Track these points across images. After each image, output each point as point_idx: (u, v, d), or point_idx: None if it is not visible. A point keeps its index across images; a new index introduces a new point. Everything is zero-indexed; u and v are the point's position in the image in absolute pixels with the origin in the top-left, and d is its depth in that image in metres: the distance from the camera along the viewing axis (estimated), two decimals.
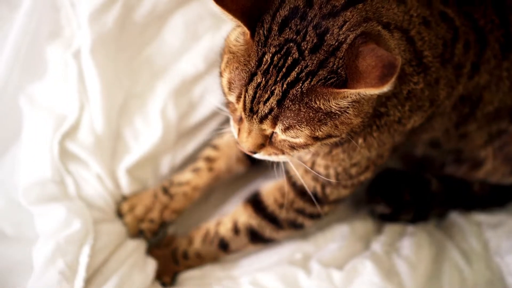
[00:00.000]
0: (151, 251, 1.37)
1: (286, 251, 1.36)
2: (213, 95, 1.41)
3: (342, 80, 0.91)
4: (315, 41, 0.92)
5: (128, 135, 1.41)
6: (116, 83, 1.38)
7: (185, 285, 1.32)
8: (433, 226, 1.47)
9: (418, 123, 1.13)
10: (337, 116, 0.95)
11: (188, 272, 1.35)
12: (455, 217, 1.50)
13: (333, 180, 1.21)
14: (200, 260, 1.36)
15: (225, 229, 1.33)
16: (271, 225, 1.30)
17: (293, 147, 1.00)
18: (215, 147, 1.42)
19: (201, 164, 1.41)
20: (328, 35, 0.92)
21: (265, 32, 0.94)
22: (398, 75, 0.99)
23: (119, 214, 1.37)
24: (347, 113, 0.95)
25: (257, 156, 1.05)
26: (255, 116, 0.96)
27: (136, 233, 1.36)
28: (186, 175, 1.40)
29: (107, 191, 1.35)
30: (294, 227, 1.32)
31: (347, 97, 0.92)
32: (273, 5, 0.95)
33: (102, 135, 1.36)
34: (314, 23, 0.93)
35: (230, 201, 1.48)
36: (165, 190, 1.39)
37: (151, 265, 1.31)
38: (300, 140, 0.98)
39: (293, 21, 0.93)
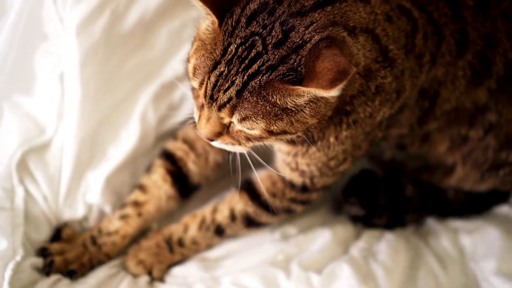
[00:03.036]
0: (138, 243, 1.39)
1: (269, 252, 1.39)
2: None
3: (300, 79, 0.94)
4: (279, 36, 0.96)
5: (107, 142, 1.42)
6: (99, 93, 1.39)
7: (167, 283, 1.35)
8: (410, 232, 1.52)
9: (388, 114, 1.17)
10: (293, 114, 0.99)
11: (171, 271, 1.38)
12: (432, 223, 1.54)
13: (316, 173, 1.26)
14: (195, 246, 1.38)
15: (222, 216, 1.36)
16: (266, 212, 1.35)
17: (248, 138, 1.04)
18: (142, 189, 1.39)
19: (129, 210, 1.37)
20: (293, 33, 0.96)
21: (233, 23, 0.98)
22: (364, 74, 1.05)
23: (43, 253, 1.31)
24: (304, 112, 0.99)
25: (214, 143, 1.09)
26: (214, 104, 1.00)
27: (64, 272, 1.30)
28: (115, 224, 1.36)
29: (51, 214, 1.37)
30: (288, 212, 1.37)
31: (301, 95, 0.95)
32: None
33: (72, 154, 1.37)
34: (282, 19, 0.97)
35: (212, 200, 1.48)
36: (94, 241, 1.35)
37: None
38: (256, 132, 1.01)
39: (261, 15, 0.97)
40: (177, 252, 1.38)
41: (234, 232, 1.39)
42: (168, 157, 1.41)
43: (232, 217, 1.36)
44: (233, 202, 1.36)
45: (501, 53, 1.23)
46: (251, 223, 1.36)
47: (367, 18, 1.04)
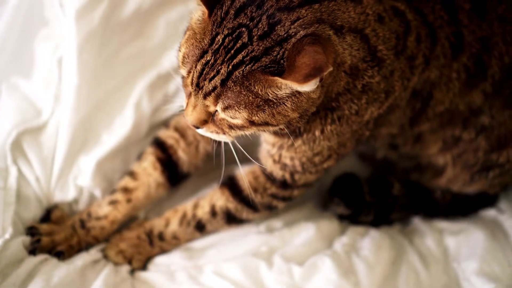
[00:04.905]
0: (120, 233, 1.41)
1: (253, 243, 1.41)
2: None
3: (280, 71, 0.97)
4: (265, 29, 0.98)
5: (101, 128, 1.45)
6: (95, 79, 1.42)
7: (150, 271, 1.37)
8: (396, 231, 1.52)
9: (376, 114, 1.19)
10: (275, 106, 1.01)
11: (155, 260, 1.40)
12: (418, 222, 1.55)
13: (299, 169, 1.27)
14: (176, 241, 1.40)
15: (202, 212, 1.38)
16: (247, 208, 1.36)
17: (231, 127, 1.07)
18: (132, 175, 1.41)
19: (118, 196, 1.39)
20: (279, 26, 0.98)
21: (222, 14, 1.01)
22: (351, 73, 1.07)
23: (32, 231, 1.34)
24: (285, 105, 1.01)
25: (200, 131, 1.11)
26: (200, 92, 1.02)
27: (52, 253, 1.33)
28: (104, 209, 1.39)
29: (43, 195, 1.40)
30: (269, 209, 1.39)
31: (280, 87, 0.98)
32: None
33: (66, 137, 1.40)
34: (269, 13, 0.99)
35: (200, 191, 1.52)
36: (83, 224, 1.38)
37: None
38: (238, 121, 1.04)
39: (249, 8, 1.00)
40: (156, 245, 1.40)
41: (215, 228, 1.40)
42: (159, 144, 1.43)
43: (213, 213, 1.37)
44: (214, 198, 1.38)
45: (497, 56, 1.24)
46: (232, 219, 1.38)
47: (357, 18, 1.06)
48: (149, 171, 1.41)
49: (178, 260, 1.39)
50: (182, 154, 1.43)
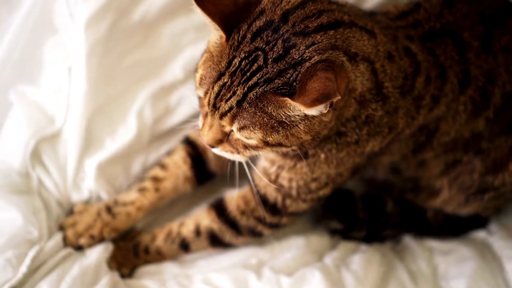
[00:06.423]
0: (115, 241, 1.43)
1: (242, 255, 1.43)
2: (188, 101, 1.50)
3: (292, 93, 0.99)
4: (280, 52, 1.02)
5: (104, 133, 1.48)
6: (99, 84, 1.45)
7: (142, 278, 1.39)
8: (387, 248, 1.54)
9: (378, 147, 1.21)
10: (288, 128, 1.04)
11: (147, 267, 1.42)
12: (409, 241, 1.56)
13: (294, 192, 1.28)
14: (160, 256, 1.43)
15: (187, 230, 1.40)
16: (231, 231, 1.38)
17: (246, 147, 1.09)
18: (163, 166, 1.46)
19: (147, 184, 1.44)
20: (294, 50, 1.01)
21: (239, 39, 1.04)
22: (360, 100, 1.09)
23: (61, 227, 1.40)
24: (298, 127, 1.04)
25: (215, 150, 1.14)
26: (216, 112, 1.05)
27: (75, 247, 1.38)
28: (131, 195, 1.43)
29: (63, 198, 1.44)
30: (253, 234, 1.39)
31: (291, 109, 1.00)
32: (251, 15, 1.05)
33: (77, 140, 1.44)
34: (285, 37, 1.02)
35: (197, 206, 1.53)
36: (109, 209, 1.42)
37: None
38: (253, 141, 1.06)
39: (265, 32, 1.03)
40: (141, 257, 1.43)
41: (199, 249, 1.42)
42: (190, 143, 1.48)
43: (197, 232, 1.39)
44: (200, 217, 1.40)
45: (500, 85, 1.28)
46: (215, 241, 1.40)
47: (371, 49, 1.09)
48: (179, 164, 1.45)
49: (168, 268, 1.41)
50: (212, 154, 1.45)
